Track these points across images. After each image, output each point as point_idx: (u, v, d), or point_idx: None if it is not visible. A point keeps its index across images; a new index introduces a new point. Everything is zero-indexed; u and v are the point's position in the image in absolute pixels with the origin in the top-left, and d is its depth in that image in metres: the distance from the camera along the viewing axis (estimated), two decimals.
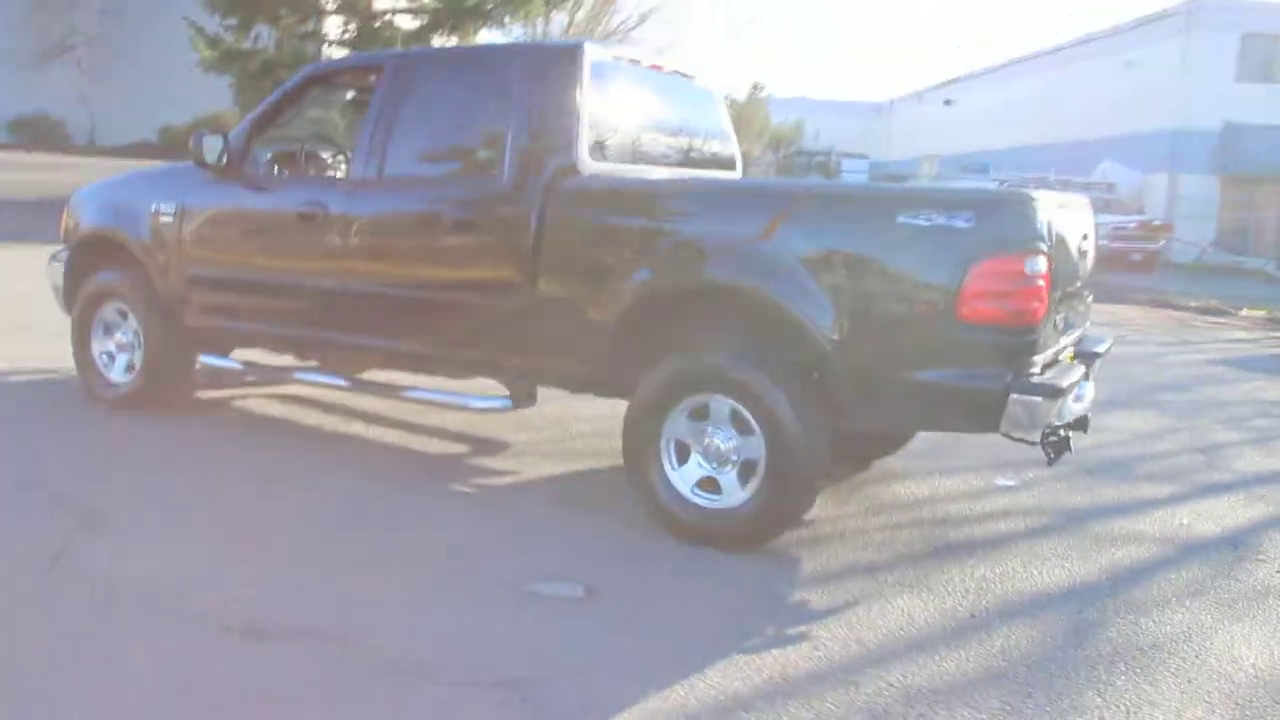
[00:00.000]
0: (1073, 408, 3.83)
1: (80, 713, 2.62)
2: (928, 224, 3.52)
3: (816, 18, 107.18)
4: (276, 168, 5.36)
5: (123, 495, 4.24)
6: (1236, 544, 4.34)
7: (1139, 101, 27.34)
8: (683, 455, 4.01)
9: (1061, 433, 3.94)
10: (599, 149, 4.31)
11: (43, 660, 2.85)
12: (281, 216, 4.88)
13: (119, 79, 27.56)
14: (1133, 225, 20.98)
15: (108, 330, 5.64)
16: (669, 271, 3.98)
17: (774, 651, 3.11)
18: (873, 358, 3.65)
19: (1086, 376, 4.04)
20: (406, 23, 20.32)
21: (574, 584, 3.51)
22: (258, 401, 6.08)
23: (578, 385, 4.39)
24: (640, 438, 4.02)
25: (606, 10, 33.32)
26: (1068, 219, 3.88)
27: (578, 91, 4.21)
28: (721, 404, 3.88)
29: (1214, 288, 17.29)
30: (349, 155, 5.65)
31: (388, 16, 20.37)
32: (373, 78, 4.88)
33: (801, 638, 3.22)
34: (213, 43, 19.34)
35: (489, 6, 19.93)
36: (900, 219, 3.57)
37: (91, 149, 27.48)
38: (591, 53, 4.32)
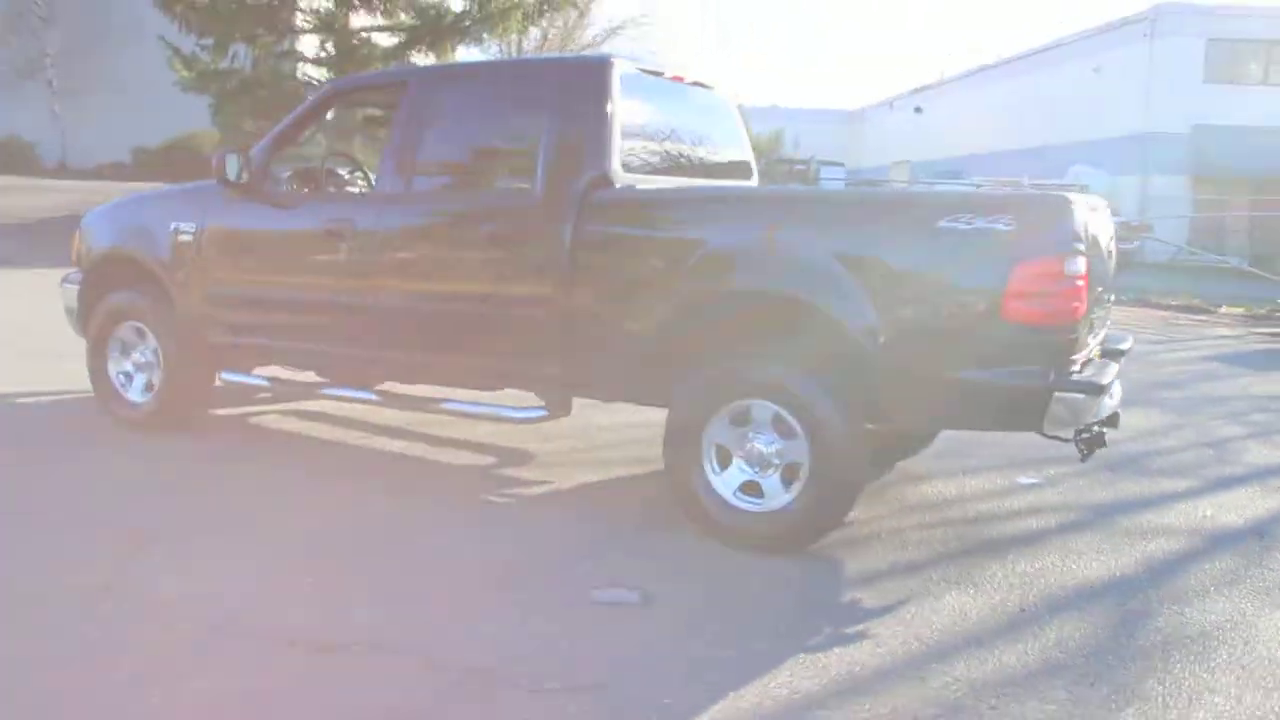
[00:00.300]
0: (1106, 404, 3.91)
1: None
2: (968, 227, 3.59)
3: (806, 25, 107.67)
4: (296, 185, 5.36)
5: (164, 517, 4.23)
6: (1262, 534, 4.43)
7: (1109, 105, 27.82)
8: (724, 460, 4.05)
9: (1095, 429, 4.01)
10: (628, 160, 4.36)
11: (121, 680, 2.85)
12: (308, 233, 4.89)
13: (91, 100, 27.27)
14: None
15: (124, 350, 5.61)
16: (707, 279, 4.02)
17: (837, 650, 3.16)
18: (915, 359, 3.71)
19: (1116, 374, 4.12)
20: (384, 40, 20.31)
21: (630, 590, 3.54)
22: (273, 418, 6.07)
23: (615, 394, 4.42)
24: (682, 444, 4.05)
25: (580, 24, 33.43)
26: (1098, 221, 3.97)
27: (609, 104, 4.26)
28: (764, 409, 3.92)
29: (1191, 285, 17.56)
30: (366, 171, 5.69)
31: (365, 34, 20.36)
32: (397, 94, 4.90)
33: (861, 636, 3.27)
34: (189, 63, 19.25)
35: (466, 23, 19.93)
36: (941, 223, 3.63)
37: (63, 171, 27.21)
38: (621, 66, 4.37)
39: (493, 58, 21.33)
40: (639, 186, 4.34)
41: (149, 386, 5.53)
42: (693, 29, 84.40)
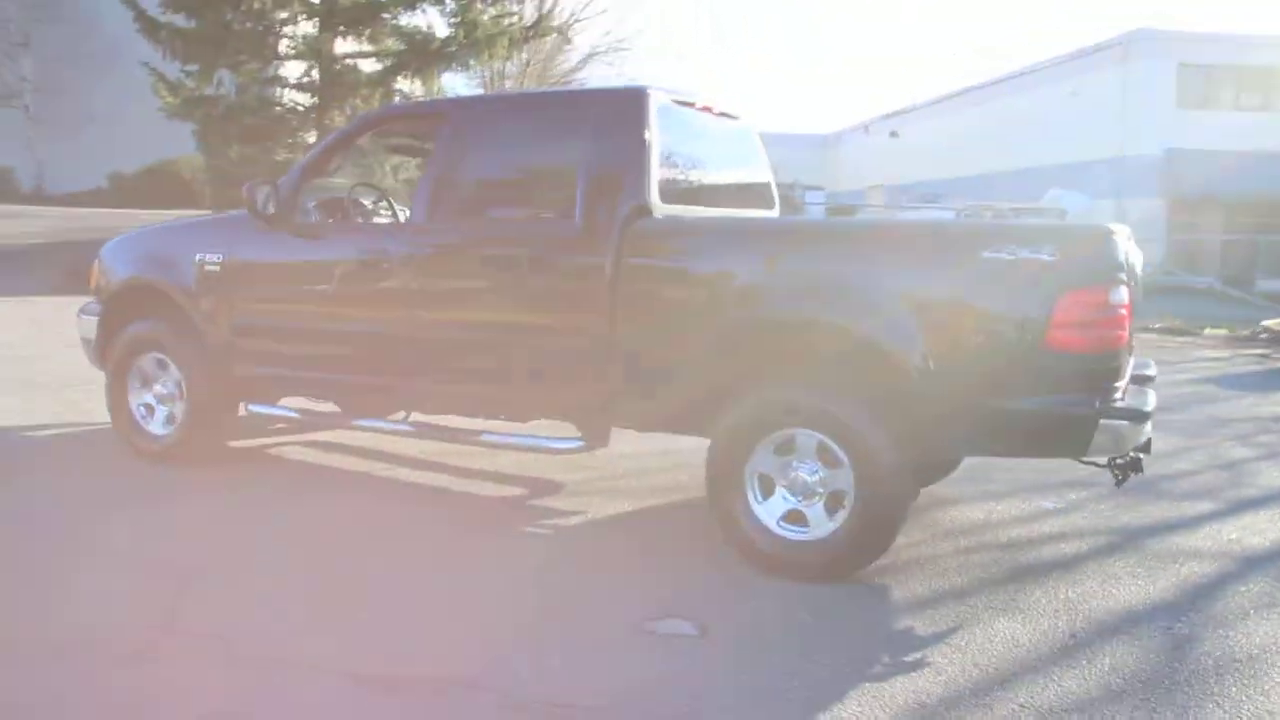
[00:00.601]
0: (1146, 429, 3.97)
1: None
2: (1012, 258, 3.65)
3: (806, 26, 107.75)
4: (322, 215, 5.36)
5: (209, 552, 4.20)
6: None
7: (1085, 129, 28.21)
8: (767, 489, 4.08)
9: (1131, 455, 4.07)
10: (664, 189, 4.40)
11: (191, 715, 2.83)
12: (343, 263, 4.89)
13: (68, 126, 27.11)
14: None
15: (145, 381, 5.57)
16: (750, 308, 4.06)
17: (899, 679, 3.18)
18: (961, 388, 3.75)
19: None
20: (369, 66, 20.35)
21: (687, 622, 3.55)
22: (295, 449, 6.03)
23: (655, 425, 4.44)
24: (725, 473, 4.07)
25: (560, 49, 33.59)
26: (1134, 251, 4.04)
27: (647, 133, 4.30)
28: (809, 437, 3.96)
29: (1169, 307, 17.81)
30: (391, 201, 5.70)
31: (350, 61, 20.41)
32: (433, 124, 4.92)
33: (921, 664, 3.29)
34: (174, 89, 19.21)
35: (452, 49, 20.00)
36: (985, 254, 3.69)
37: (39, 197, 26.97)
38: (657, 97, 4.42)
39: (528, 89, 21.12)
40: (679, 216, 4.38)
41: (171, 419, 5.49)
42: (687, 26, 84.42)
